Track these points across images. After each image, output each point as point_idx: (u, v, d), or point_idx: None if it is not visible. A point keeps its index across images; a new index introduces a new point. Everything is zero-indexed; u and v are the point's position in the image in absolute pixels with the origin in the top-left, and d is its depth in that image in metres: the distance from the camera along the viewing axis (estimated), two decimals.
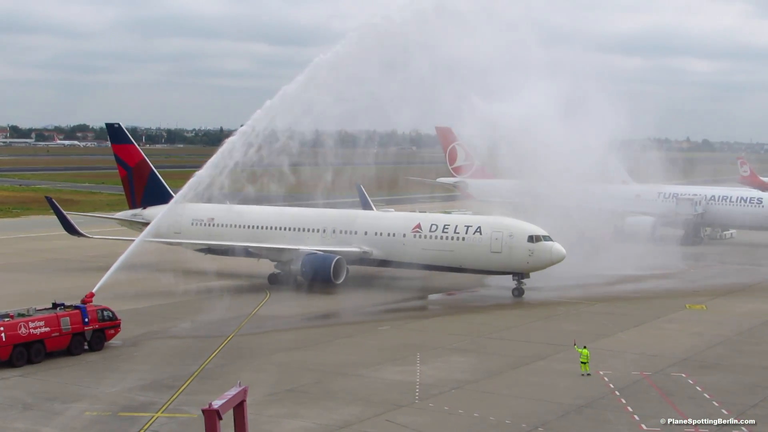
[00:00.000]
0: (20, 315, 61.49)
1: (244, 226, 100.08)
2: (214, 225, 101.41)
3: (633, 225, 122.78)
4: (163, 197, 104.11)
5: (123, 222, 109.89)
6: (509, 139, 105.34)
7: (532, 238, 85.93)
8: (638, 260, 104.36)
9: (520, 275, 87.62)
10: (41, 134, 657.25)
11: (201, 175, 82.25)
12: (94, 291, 67.13)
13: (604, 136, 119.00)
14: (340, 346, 67.28)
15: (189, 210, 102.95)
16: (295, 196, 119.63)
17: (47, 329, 61.24)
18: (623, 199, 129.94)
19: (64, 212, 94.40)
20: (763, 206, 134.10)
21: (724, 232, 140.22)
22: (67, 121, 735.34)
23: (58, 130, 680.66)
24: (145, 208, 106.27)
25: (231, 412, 38.58)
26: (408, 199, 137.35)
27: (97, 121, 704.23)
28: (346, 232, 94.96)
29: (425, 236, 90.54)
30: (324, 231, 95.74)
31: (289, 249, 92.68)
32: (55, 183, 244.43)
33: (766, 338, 71.80)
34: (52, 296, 69.50)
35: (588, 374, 58.31)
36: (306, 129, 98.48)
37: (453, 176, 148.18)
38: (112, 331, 65.67)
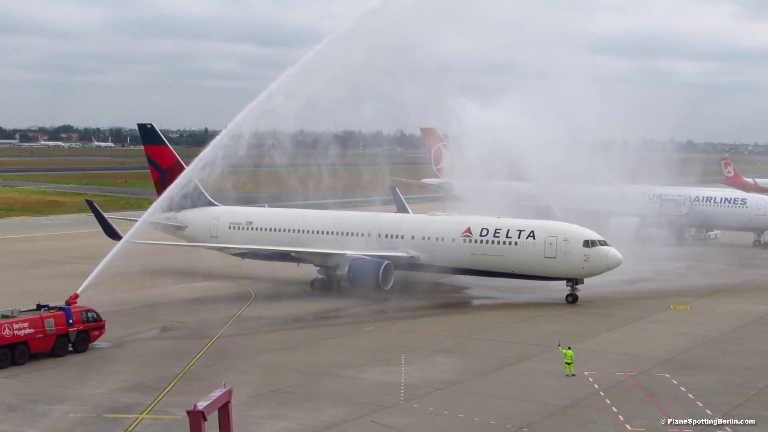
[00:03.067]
0: (4, 316, 61.26)
1: (284, 230, 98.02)
2: (252, 228, 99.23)
3: (617, 226, 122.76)
4: (198, 201, 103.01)
5: (156, 225, 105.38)
6: (495, 141, 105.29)
7: (587, 243, 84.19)
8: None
9: (574, 281, 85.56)
10: (25, 135, 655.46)
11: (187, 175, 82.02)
12: (78, 292, 66.97)
13: (590, 137, 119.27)
14: (324, 347, 67.27)
15: (226, 213, 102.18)
16: (291, 197, 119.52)
17: (31, 331, 61.06)
18: (608, 200, 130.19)
19: (105, 215, 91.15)
20: (747, 207, 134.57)
21: (709, 233, 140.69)
22: (52, 122, 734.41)
23: (42, 131, 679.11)
24: (179, 211, 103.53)
25: (216, 413, 38.57)
26: (393, 200, 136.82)
27: (82, 122, 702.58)
28: (391, 236, 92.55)
29: (476, 241, 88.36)
30: (369, 235, 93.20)
31: (335, 254, 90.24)
32: (40, 184, 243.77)
33: (749, 339, 71.99)
34: (36, 297, 69.28)
35: (572, 375, 58.43)
36: (290, 130, 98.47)
37: (438, 177, 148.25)
38: (97, 333, 65.55)
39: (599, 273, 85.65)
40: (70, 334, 63.45)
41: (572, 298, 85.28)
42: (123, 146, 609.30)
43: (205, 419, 36.70)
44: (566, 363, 58.97)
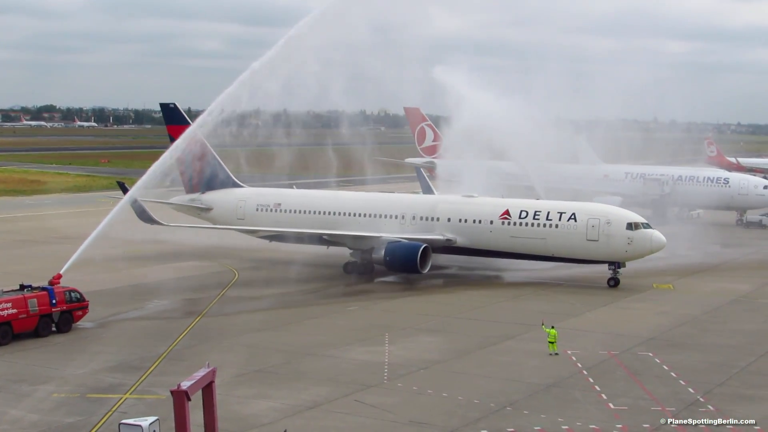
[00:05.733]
0: None
1: (314, 212, 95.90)
2: (281, 210, 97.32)
3: None
4: (223, 182, 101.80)
5: (179, 207, 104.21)
6: (479, 120, 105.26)
7: (631, 226, 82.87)
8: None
9: (616, 264, 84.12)
10: (7, 115, 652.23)
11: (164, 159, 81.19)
12: (61, 272, 66.80)
13: (574, 116, 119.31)
14: (308, 327, 67.33)
15: (253, 195, 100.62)
16: (278, 177, 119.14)
17: (14, 311, 60.90)
18: (591, 180, 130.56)
19: (139, 200, 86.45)
20: (729, 186, 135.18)
21: (692, 212, 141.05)
22: (34, 102, 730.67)
23: (25, 111, 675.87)
24: (204, 192, 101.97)
25: (200, 393, 38.56)
26: (376, 179, 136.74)
27: (65, 102, 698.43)
28: (427, 219, 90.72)
29: (515, 223, 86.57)
30: (403, 217, 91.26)
31: (370, 237, 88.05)
32: (22, 164, 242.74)
33: (732, 317, 72.36)
34: (19, 278, 68.99)
35: (556, 354, 58.61)
36: (274, 109, 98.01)
37: (422, 157, 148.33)
38: (80, 313, 65.42)
39: (642, 256, 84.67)
40: (53, 315, 63.34)
41: (614, 282, 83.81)
42: (106, 126, 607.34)
43: (189, 399, 36.67)
44: (549, 342, 59.16)
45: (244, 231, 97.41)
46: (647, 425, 45.50)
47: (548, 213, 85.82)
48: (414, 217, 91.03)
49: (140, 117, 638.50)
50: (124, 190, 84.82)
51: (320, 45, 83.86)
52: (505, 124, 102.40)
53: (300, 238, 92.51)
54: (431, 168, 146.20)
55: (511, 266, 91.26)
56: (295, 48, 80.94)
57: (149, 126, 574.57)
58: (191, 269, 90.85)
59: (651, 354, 59.26)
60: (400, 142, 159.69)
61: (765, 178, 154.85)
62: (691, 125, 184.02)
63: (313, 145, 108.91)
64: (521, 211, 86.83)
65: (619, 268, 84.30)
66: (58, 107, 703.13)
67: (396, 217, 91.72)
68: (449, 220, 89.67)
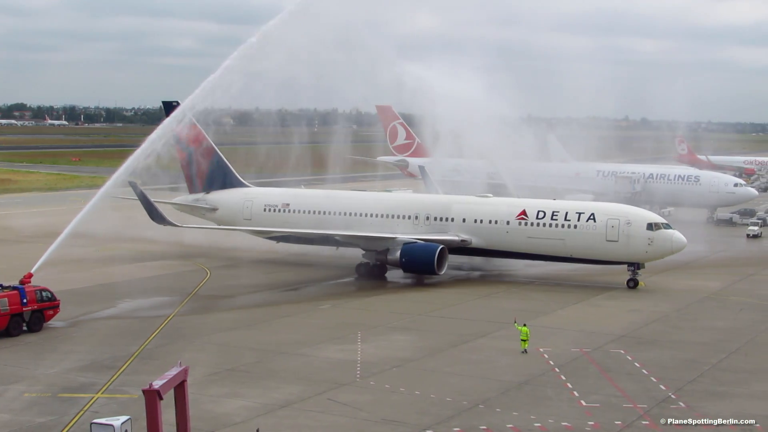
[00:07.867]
0: None
1: (324, 212, 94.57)
2: (289, 211, 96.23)
3: None
4: (228, 181, 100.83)
5: (183, 207, 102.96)
6: (449, 118, 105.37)
7: (651, 226, 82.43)
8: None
9: (636, 265, 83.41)
10: None
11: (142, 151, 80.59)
12: (32, 271, 66.43)
13: (546, 114, 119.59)
14: (280, 326, 67.26)
15: (260, 195, 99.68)
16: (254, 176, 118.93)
17: None
18: (562, 177, 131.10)
19: (151, 200, 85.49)
20: (700, 184, 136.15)
21: (662, 210, 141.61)
22: (4, 100, 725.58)
23: None
24: (208, 192, 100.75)
25: (172, 392, 38.46)
26: (349, 177, 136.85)
27: (36, 100, 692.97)
28: (441, 219, 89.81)
29: (532, 224, 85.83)
30: (416, 218, 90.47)
31: (385, 237, 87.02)
32: None
33: (703, 315, 72.77)
34: None
35: (527, 351, 58.76)
36: (246, 107, 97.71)
37: (394, 155, 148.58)
38: (51, 312, 65.05)
39: (663, 257, 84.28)
40: (24, 314, 62.95)
41: (633, 283, 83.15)
42: (77, 124, 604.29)
43: (161, 398, 36.58)
44: (522, 340, 59.27)
45: (252, 232, 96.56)
46: (619, 422, 45.72)
47: (566, 213, 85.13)
48: (427, 218, 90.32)
49: (111, 115, 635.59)
50: (137, 192, 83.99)
51: (292, 43, 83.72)
52: (478, 122, 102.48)
53: (310, 239, 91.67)
54: (403, 166, 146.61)
55: (532, 267, 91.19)
56: (266, 46, 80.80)
57: (120, 124, 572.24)
58: (163, 268, 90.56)
59: (623, 351, 59.52)
60: (373, 141, 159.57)
61: (735, 176, 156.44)
62: (662, 123, 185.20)
63: (284, 144, 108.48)
64: (538, 212, 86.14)
65: (639, 269, 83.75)
66: (28, 105, 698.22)
67: (409, 217, 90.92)
68: (464, 220, 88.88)
